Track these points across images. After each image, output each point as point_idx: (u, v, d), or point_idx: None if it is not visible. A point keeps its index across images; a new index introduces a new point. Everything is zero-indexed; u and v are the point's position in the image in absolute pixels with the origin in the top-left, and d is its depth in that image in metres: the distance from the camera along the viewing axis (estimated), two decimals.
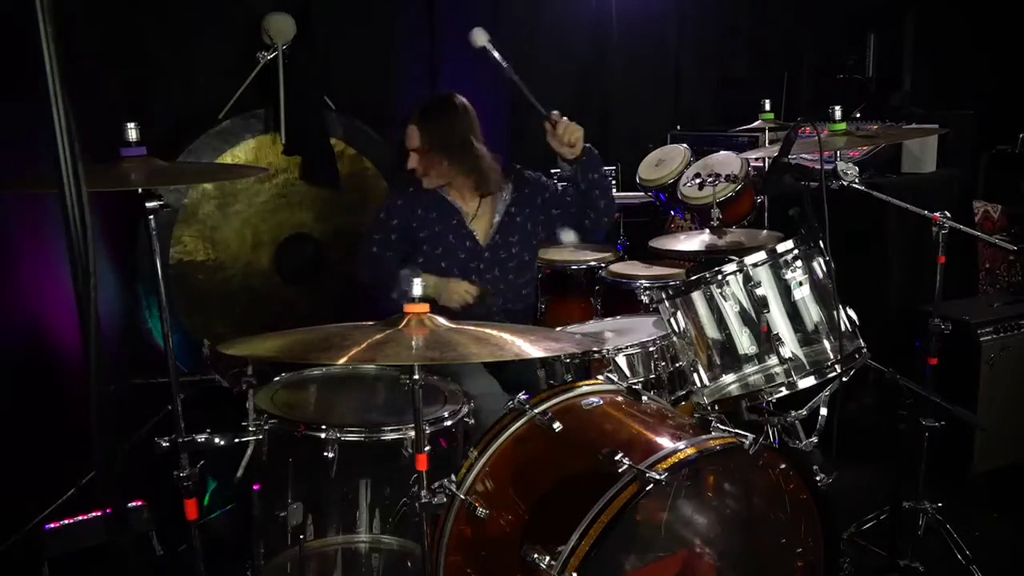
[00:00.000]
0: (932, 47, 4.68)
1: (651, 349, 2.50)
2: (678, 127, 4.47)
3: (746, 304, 2.19)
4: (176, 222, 3.27)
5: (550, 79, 4.38)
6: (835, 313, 2.20)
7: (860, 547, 2.72)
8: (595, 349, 2.44)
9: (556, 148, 2.76)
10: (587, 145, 2.77)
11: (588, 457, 1.79)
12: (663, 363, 2.51)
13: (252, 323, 3.39)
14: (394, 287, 2.73)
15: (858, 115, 4.06)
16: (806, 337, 2.21)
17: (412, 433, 1.82)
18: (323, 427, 2.06)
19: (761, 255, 2.20)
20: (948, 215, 2.50)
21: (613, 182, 4.23)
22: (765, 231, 3.18)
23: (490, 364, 2.69)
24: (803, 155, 2.89)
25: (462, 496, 1.90)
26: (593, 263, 3.50)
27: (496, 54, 2.62)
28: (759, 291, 2.17)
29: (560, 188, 2.97)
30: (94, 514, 2.65)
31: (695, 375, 2.27)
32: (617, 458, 1.70)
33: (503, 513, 1.86)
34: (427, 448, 1.71)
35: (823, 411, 2.29)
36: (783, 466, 1.93)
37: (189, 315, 3.35)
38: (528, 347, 1.67)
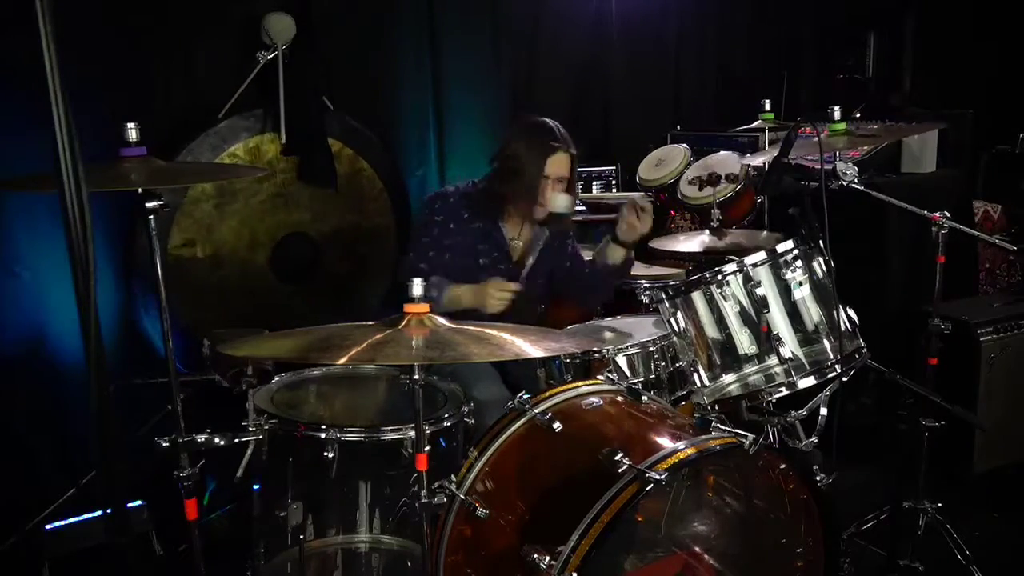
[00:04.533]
0: (932, 47, 4.67)
1: (651, 349, 2.50)
2: (678, 127, 4.46)
3: (746, 304, 2.19)
4: (172, 221, 3.27)
5: (550, 79, 4.39)
6: (835, 313, 2.20)
7: (860, 547, 2.72)
8: (595, 349, 2.44)
9: (626, 228, 2.77)
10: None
11: (588, 457, 1.79)
12: (663, 363, 2.51)
13: (250, 322, 3.37)
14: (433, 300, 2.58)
15: (858, 115, 4.06)
16: (806, 337, 2.21)
17: (412, 433, 1.82)
18: (323, 427, 2.06)
19: (761, 255, 2.20)
20: (948, 215, 2.50)
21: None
22: (765, 232, 3.17)
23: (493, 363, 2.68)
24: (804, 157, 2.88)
25: (462, 496, 1.91)
26: None
27: None
28: (759, 291, 2.17)
29: (581, 258, 3.01)
30: (94, 514, 2.65)
31: (695, 375, 2.27)
32: (617, 458, 1.70)
33: (503, 513, 1.86)
34: (427, 448, 1.71)
35: (823, 411, 2.29)
36: (783, 466, 1.94)
37: (185, 314, 3.33)
38: (528, 347, 1.66)
